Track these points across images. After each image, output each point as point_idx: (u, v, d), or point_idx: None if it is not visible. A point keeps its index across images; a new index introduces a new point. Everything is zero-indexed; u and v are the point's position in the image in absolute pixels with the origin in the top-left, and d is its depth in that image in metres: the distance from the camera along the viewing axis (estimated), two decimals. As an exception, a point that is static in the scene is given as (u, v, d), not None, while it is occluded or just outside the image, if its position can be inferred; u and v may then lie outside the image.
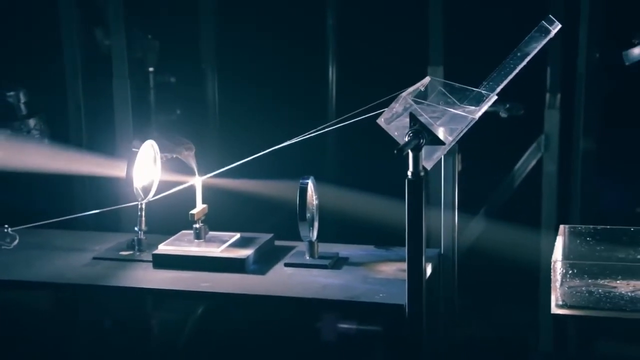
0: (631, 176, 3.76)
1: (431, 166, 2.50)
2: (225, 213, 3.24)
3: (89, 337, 2.76)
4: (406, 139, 2.40)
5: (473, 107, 2.58)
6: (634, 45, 2.55)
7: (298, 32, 4.06)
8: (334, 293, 2.62)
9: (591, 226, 2.83)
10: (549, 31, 2.48)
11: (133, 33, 4.16)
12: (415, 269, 2.47)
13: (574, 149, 3.72)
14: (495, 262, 3.79)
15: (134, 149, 2.86)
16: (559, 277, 2.55)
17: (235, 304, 2.63)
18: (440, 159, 2.85)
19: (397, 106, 2.48)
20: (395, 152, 2.30)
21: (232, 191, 3.08)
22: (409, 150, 2.40)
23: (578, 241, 2.84)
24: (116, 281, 2.74)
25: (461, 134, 2.48)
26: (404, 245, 2.92)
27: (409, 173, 2.42)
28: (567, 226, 2.82)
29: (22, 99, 3.60)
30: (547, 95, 3.83)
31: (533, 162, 3.94)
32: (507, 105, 2.86)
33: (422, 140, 2.42)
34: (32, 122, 3.59)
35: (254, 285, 2.69)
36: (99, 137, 3.61)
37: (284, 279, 2.74)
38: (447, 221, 2.90)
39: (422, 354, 2.49)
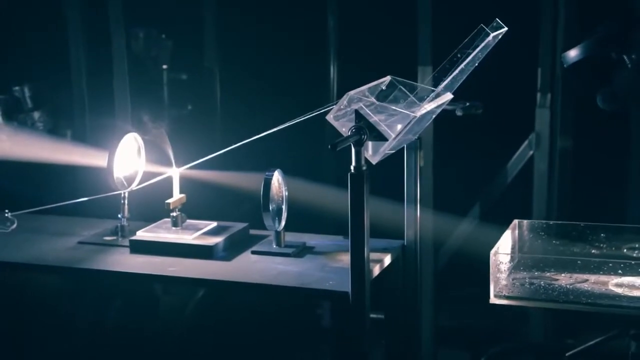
0: (609, 173, 3.84)
1: (377, 161, 2.63)
2: (215, 203, 3.44)
3: (64, 317, 2.95)
4: (348, 134, 2.54)
5: (428, 105, 2.70)
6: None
7: (300, 32, 4.20)
8: (287, 280, 2.77)
9: (544, 221, 2.94)
10: (488, 34, 2.59)
11: (149, 32, 4.38)
12: (357, 259, 2.60)
13: (553, 147, 3.81)
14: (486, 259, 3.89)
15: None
16: (500, 269, 2.67)
17: (196, 287, 2.80)
18: (404, 154, 3.00)
19: (344, 103, 2.62)
20: (329, 147, 2.43)
21: (220, 183, 3.27)
22: (352, 145, 2.54)
23: (532, 235, 2.95)
24: (91, 264, 2.94)
25: (404, 131, 2.60)
26: (374, 236, 3.10)
27: (352, 167, 2.56)
28: (519, 221, 2.93)
29: (27, 93, 3.84)
30: (538, 95, 3.92)
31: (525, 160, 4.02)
32: (467, 104, 2.97)
33: (364, 136, 2.55)
34: (36, 115, 3.84)
35: (216, 271, 2.86)
36: (101, 131, 3.81)
37: (246, 266, 2.91)
38: (409, 214, 3.02)
39: (365, 339, 2.63)
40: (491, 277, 2.62)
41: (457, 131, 3.95)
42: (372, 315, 3.21)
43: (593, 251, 2.89)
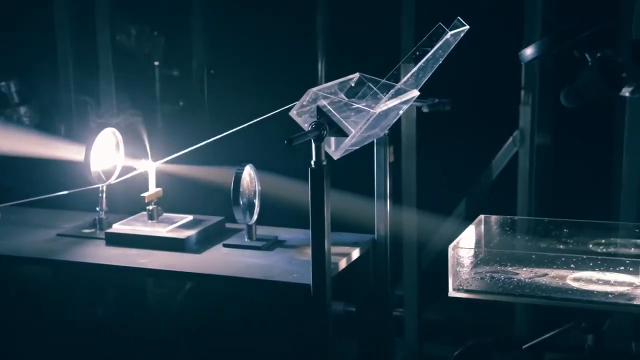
0: (592, 169, 3.86)
1: (338, 156, 2.68)
2: (197, 197, 3.51)
3: (39, 306, 3.03)
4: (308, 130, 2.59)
5: (390, 102, 2.74)
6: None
7: (288, 30, 4.25)
8: (253, 272, 2.83)
9: (509, 216, 2.98)
10: (446, 32, 2.63)
11: (141, 29, 4.44)
12: (318, 252, 2.65)
13: (532, 143, 3.84)
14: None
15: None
16: (462, 262, 2.71)
17: (165, 278, 2.86)
18: (374, 150, 3.05)
19: (306, 99, 2.67)
20: (285, 142, 2.48)
21: (204, 178, 3.34)
22: (312, 141, 2.59)
23: (499, 230, 2.99)
24: (66, 256, 3.02)
25: (366, 127, 2.64)
26: (346, 230, 3.16)
27: (312, 162, 2.61)
28: (485, 216, 2.97)
29: (14, 87, 3.92)
30: (522, 92, 3.94)
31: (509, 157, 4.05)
32: (435, 101, 3.01)
33: (324, 132, 2.60)
34: (22, 109, 3.92)
35: (186, 263, 2.92)
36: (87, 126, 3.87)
37: (216, 259, 2.97)
38: (380, 209, 3.07)
39: (326, 332, 2.68)
40: (450, 270, 2.65)
41: (440, 129, 4.00)
42: (348, 309, 3.28)
43: (560, 246, 2.93)
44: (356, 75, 2.87)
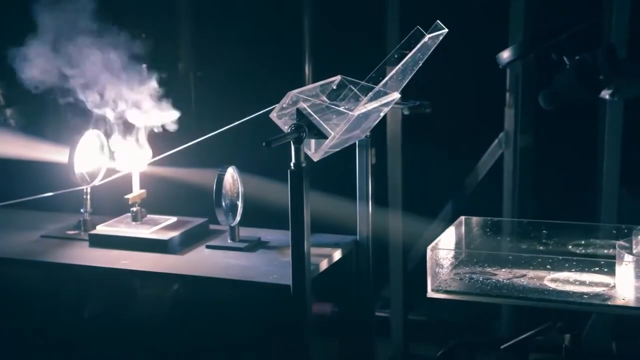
0: (575, 170, 3.89)
1: (318, 158, 2.70)
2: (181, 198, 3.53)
3: (20, 308, 3.04)
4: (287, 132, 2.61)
5: (369, 104, 2.76)
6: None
7: (275, 32, 4.27)
8: (234, 273, 2.85)
9: (489, 218, 3.00)
10: (423, 35, 2.65)
11: (129, 31, 4.45)
12: (298, 253, 2.67)
13: (515, 145, 3.87)
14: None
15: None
16: (442, 264, 2.73)
17: (147, 279, 2.88)
18: (356, 152, 3.07)
19: (287, 102, 2.69)
20: (264, 144, 2.50)
21: (191, 180, 3.37)
22: (291, 143, 2.61)
23: (480, 232, 3.01)
24: (49, 257, 3.04)
25: (345, 129, 2.66)
26: (330, 232, 3.19)
27: (291, 164, 2.63)
28: (466, 217, 2.99)
29: (-1, 90, 3.95)
30: (507, 95, 3.97)
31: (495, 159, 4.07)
32: (416, 103, 3.03)
33: (303, 134, 2.62)
34: (8, 112, 3.94)
35: (167, 264, 2.95)
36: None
37: (198, 260, 2.99)
38: (362, 211, 3.09)
39: (306, 332, 2.70)
40: (429, 271, 2.67)
41: (426, 131, 4.02)
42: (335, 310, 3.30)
43: (540, 247, 2.95)
44: (337, 77, 2.89)
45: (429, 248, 2.70)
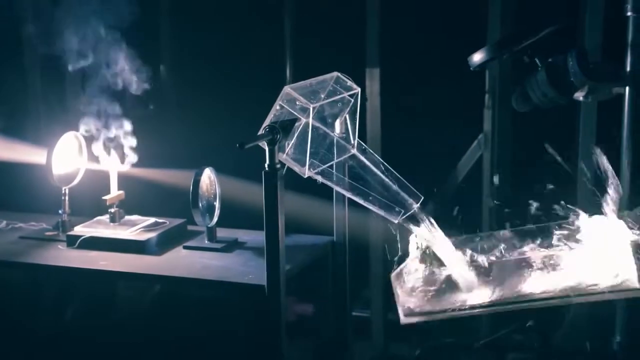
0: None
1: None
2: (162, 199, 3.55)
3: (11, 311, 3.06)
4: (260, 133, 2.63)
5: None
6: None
7: (256, 36, 4.29)
8: (210, 273, 2.87)
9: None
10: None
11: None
12: (272, 253, 2.68)
13: (492, 146, 3.89)
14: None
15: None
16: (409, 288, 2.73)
17: (124, 280, 2.90)
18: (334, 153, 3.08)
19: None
20: (237, 145, 2.52)
21: (171, 181, 3.39)
22: (265, 144, 2.63)
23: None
24: (26, 258, 3.06)
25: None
26: (308, 233, 3.21)
27: (265, 166, 2.65)
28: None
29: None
30: (486, 97, 3.99)
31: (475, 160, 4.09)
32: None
33: (277, 136, 2.64)
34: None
35: (143, 265, 2.97)
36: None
37: (175, 260, 3.01)
38: (338, 211, 3.11)
39: (280, 332, 2.72)
40: (398, 300, 2.64)
41: (406, 130, 4.04)
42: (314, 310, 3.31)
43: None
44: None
45: (392, 276, 2.69)
